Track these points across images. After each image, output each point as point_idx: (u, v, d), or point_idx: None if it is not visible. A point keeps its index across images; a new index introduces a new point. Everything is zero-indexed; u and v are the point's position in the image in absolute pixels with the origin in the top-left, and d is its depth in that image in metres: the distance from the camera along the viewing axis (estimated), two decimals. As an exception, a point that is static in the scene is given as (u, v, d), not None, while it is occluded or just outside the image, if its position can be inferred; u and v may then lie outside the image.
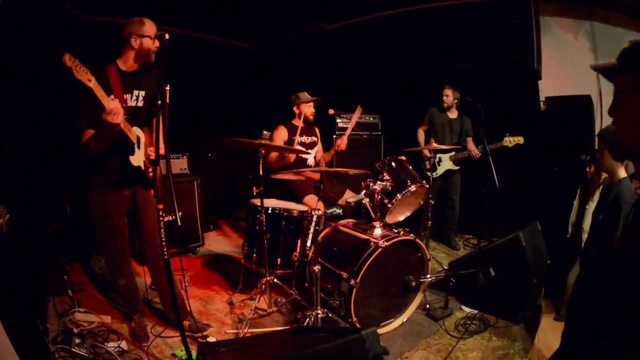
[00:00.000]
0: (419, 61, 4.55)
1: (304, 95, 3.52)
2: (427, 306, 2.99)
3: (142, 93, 2.46)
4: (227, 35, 5.04)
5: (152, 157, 2.45)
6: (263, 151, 2.61)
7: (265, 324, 2.77)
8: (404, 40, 4.57)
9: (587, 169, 3.33)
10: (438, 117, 4.14)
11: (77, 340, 2.46)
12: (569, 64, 4.14)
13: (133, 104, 2.43)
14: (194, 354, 2.23)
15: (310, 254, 2.71)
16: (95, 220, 2.48)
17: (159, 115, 1.93)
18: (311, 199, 3.24)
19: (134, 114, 2.42)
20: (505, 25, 3.88)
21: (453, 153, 4.06)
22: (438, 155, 4.09)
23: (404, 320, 2.83)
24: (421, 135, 4.22)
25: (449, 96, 4.07)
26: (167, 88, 1.99)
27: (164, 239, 1.99)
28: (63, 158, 3.23)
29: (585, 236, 3.31)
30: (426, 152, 4.01)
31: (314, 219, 2.30)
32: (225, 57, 5.23)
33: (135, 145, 2.38)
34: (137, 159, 2.39)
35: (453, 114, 4.15)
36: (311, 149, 3.62)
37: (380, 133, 4.84)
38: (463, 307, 3.12)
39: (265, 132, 2.60)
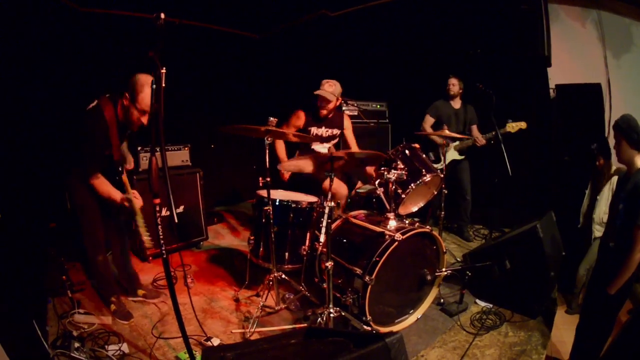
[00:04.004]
0: (426, 48, 4.26)
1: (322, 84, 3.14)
2: (442, 301, 2.73)
3: (128, 132, 2.52)
4: (229, 25, 4.73)
5: (129, 167, 2.66)
6: (269, 138, 2.33)
7: (273, 322, 2.50)
8: (410, 27, 4.29)
9: (597, 162, 3.12)
10: (444, 108, 3.88)
11: (77, 345, 2.22)
12: (577, 53, 3.88)
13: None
14: (197, 356, 1.98)
15: (321, 248, 2.44)
16: (75, 198, 2.43)
17: (155, 101, 1.69)
18: (334, 183, 2.92)
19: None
20: (514, 12, 3.61)
21: (457, 142, 3.80)
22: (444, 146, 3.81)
23: (419, 317, 2.56)
24: (428, 127, 3.94)
25: (455, 85, 3.81)
26: (163, 71, 1.71)
27: (161, 235, 1.78)
28: (61, 155, 2.96)
29: (595, 226, 3.11)
30: (438, 140, 3.76)
31: (326, 210, 2.03)
32: (227, 46, 4.92)
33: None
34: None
35: (457, 104, 3.89)
36: (327, 142, 3.27)
37: (387, 121, 4.54)
38: (478, 301, 2.86)
39: (271, 118, 2.31)
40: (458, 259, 3.29)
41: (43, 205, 3.24)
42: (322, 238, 2.05)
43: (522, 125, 3.44)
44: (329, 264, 2.13)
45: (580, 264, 3.14)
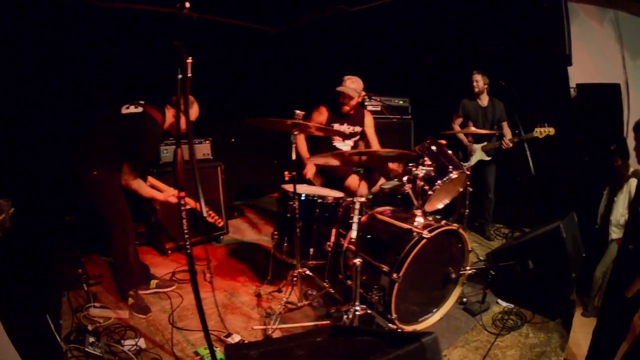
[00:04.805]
0: (447, 44, 4.18)
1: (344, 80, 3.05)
2: (464, 300, 2.66)
3: None
4: (247, 19, 4.63)
5: None
6: (296, 132, 2.25)
7: (295, 318, 2.43)
8: (431, 23, 4.20)
9: (615, 163, 3.07)
10: (471, 106, 3.76)
11: (92, 339, 2.14)
12: (596, 52, 3.81)
13: None
14: (218, 353, 1.92)
15: (346, 244, 2.37)
16: (105, 190, 2.42)
17: (181, 91, 1.65)
18: (353, 180, 2.88)
19: None
20: (536, 9, 3.55)
21: (485, 143, 3.70)
22: (472, 145, 3.71)
23: (442, 316, 2.50)
24: (457, 127, 3.84)
25: (479, 82, 3.68)
26: (189, 61, 1.64)
27: (186, 230, 1.70)
28: (82, 150, 2.88)
29: (612, 228, 3.05)
30: (464, 139, 3.66)
31: (357, 206, 1.96)
32: (246, 41, 4.82)
33: None
34: None
35: (484, 101, 3.77)
36: (349, 139, 3.19)
37: (410, 117, 4.45)
38: (499, 300, 2.80)
39: (298, 111, 2.24)
40: (481, 258, 3.23)
41: (58, 199, 3.15)
42: (354, 234, 1.97)
43: (551, 131, 3.33)
44: (358, 261, 2.07)
45: (596, 266, 3.09)
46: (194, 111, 2.51)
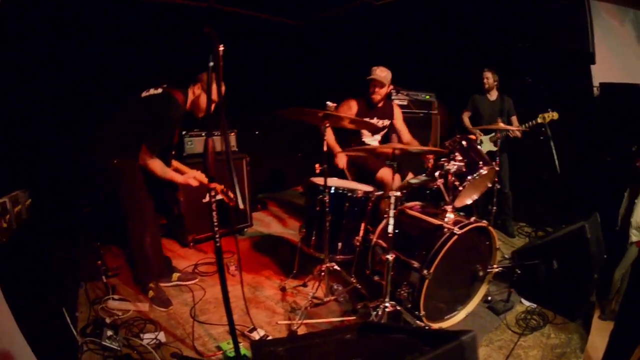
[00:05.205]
0: (471, 40, 4.14)
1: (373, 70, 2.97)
2: (489, 298, 2.62)
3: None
4: (270, 12, 4.54)
5: None
6: (327, 124, 2.19)
7: (321, 313, 2.38)
8: (455, 19, 4.17)
9: (637, 164, 3.04)
10: (481, 101, 3.81)
11: (109, 333, 2.07)
12: (617, 52, 3.78)
13: None
14: (241, 348, 1.86)
15: (375, 239, 2.31)
16: (125, 179, 2.37)
17: (212, 79, 1.64)
18: (386, 173, 2.81)
19: None
20: (558, 6, 3.50)
21: (493, 134, 3.70)
22: (480, 137, 3.74)
23: (468, 314, 2.46)
24: (467, 120, 3.86)
25: (489, 78, 3.74)
26: (221, 48, 1.58)
27: (215, 222, 1.66)
28: (104, 139, 2.79)
29: (632, 231, 3.01)
30: (474, 131, 3.70)
31: (392, 200, 1.90)
32: (269, 34, 4.74)
33: None
34: None
35: (493, 96, 3.82)
36: (377, 133, 3.13)
37: (436, 112, 4.39)
38: (523, 300, 2.76)
39: (329, 103, 2.18)
40: (506, 256, 3.20)
41: (76, 190, 3.08)
42: (390, 229, 1.92)
43: (554, 115, 3.31)
44: (391, 257, 2.01)
45: (615, 268, 3.06)
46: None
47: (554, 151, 3.14)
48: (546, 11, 3.64)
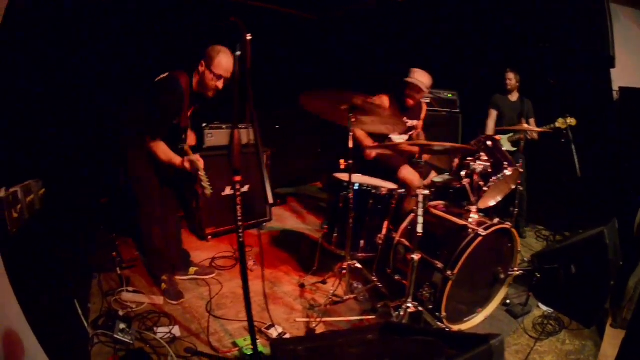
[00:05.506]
0: (492, 39, 4.09)
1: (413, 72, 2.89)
2: (508, 301, 2.59)
3: (197, 106, 2.46)
4: (287, 5, 4.48)
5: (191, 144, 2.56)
6: (353, 119, 2.15)
7: (340, 311, 2.34)
8: (476, 18, 4.11)
9: None
10: (502, 101, 3.79)
11: (122, 326, 2.02)
12: (637, 55, 3.74)
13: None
14: (258, 345, 1.80)
15: (398, 237, 2.27)
16: (133, 169, 2.35)
17: (240, 70, 1.57)
18: (409, 171, 2.78)
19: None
20: (578, 9, 3.47)
21: (511, 134, 3.68)
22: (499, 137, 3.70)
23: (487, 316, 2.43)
24: (492, 122, 3.82)
25: (512, 79, 3.71)
26: (249, 37, 1.54)
27: (240, 217, 1.63)
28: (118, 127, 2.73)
29: None
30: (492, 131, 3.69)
31: (420, 199, 1.86)
32: (287, 27, 4.66)
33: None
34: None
35: (514, 97, 3.79)
36: (405, 134, 3.06)
37: (458, 111, 4.32)
38: (540, 304, 2.73)
39: (357, 95, 2.13)
40: (525, 259, 3.17)
41: (93, 180, 3.02)
42: (419, 228, 1.88)
43: (572, 122, 3.27)
44: (416, 256, 1.98)
45: (630, 276, 3.03)
46: (224, 62, 2.20)
47: (574, 154, 3.10)
48: (566, 14, 3.61)
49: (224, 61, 2.19)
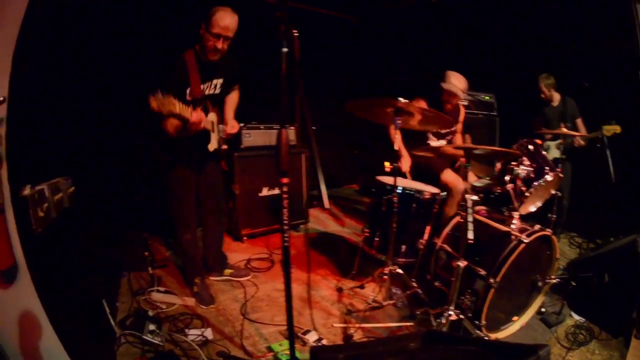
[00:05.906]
0: (525, 43, 4.06)
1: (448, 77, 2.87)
2: (543, 310, 2.55)
3: (220, 81, 2.34)
4: (325, 6, 4.42)
5: (230, 131, 2.46)
6: (399, 121, 2.10)
7: (378, 317, 2.29)
8: (510, 21, 4.08)
9: None
10: (545, 109, 3.74)
11: (152, 327, 1.96)
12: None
13: (211, 92, 2.31)
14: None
15: (440, 243, 2.23)
16: (166, 175, 2.30)
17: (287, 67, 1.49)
18: (451, 175, 2.75)
19: (212, 101, 2.35)
20: (605, 12, 3.45)
21: (560, 140, 3.56)
22: (546, 143, 3.62)
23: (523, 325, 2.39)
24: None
25: (543, 92, 3.69)
26: (296, 33, 1.48)
27: (285, 220, 1.55)
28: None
29: None
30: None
31: (469, 204, 1.82)
32: (324, 28, 4.59)
33: (211, 131, 2.32)
34: (213, 143, 2.35)
35: (555, 101, 3.75)
36: (443, 138, 3.02)
37: (495, 114, 4.26)
38: (573, 313, 2.70)
39: (401, 99, 2.09)
40: (561, 267, 3.13)
41: (127, 179, 2.97)
42: (471, 235, 1.83)
43: (617, 129, 3.24)
44: (462, 263, 1.93)
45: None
46: (220, 20, 2.07)
47: (609, 160, 3.06)
48: (594, 16, 3.59)
49: (220, 18, 2.05)
